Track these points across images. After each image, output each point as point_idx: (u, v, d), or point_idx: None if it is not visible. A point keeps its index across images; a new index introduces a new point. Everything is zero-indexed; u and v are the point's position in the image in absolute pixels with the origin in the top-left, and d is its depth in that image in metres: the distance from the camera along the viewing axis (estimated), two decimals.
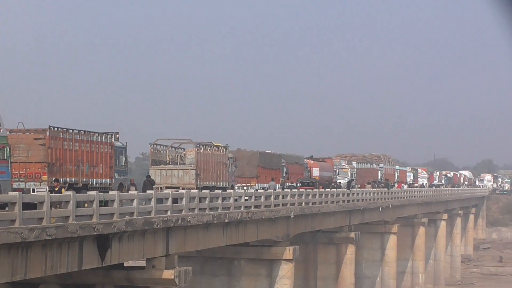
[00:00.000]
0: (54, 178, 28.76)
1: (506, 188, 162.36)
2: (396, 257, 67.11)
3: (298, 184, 57.62)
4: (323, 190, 52.06)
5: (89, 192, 27.13)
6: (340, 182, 67.86)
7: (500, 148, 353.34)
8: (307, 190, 49.44)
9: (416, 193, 76.35)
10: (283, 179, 53.10)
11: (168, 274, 29.96)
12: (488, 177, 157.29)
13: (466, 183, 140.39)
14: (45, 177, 29.24)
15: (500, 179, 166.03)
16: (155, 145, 39.32)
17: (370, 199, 59.44)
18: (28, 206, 22.82)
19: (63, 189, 27.26)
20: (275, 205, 40.92)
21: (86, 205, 25.89)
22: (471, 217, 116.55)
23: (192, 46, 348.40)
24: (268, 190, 43.81)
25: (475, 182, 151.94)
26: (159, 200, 29.91)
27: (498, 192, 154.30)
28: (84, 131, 32.09)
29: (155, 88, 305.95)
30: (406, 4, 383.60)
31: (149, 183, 35.37)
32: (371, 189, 64.21)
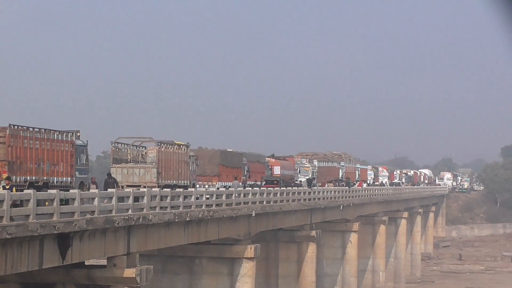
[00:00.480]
0: (6, 176, 28.56)
1: (466, 186, 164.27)
2: (357, 255, 67.61)
3: (263, 183, 58.12)
4: (285, 188, 52.30)
5: (50, 191, 27.03)
6: (300, 181, 68.12)
7: (460, 147, 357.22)
8: (269, 188, 49.83)
9: (376, 191, 76.94)
10: (244, 178, 53.28)
11: (129, 272, 29.99)
12: (447, 175, 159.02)
13: (426, 181, 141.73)
14: (5, 176, 29.05)
15: (459, 178, 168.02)
16: (116, 144, 39.26)
17: (331, 198, 59.82)
18: None
19: (14, 188, 27.12)
20: (236, 204, 41.08)
21: (46, 203, 25.81)
22: (431, 215, 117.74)
23: (150, 44, 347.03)
24: (231, 189, 44.00)
25: (435, 180, 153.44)
26: (120, 199, 29.91)
27: (457, 190, 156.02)
28: (45, 130, 31.96)
29: (116, 87, 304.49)
30: None
31: (111, 182, 35.32)
32: (332, 187, 64.64)
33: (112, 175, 36.74)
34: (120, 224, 29.00)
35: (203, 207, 36.71)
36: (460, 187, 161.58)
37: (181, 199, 34.54)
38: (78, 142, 34.39)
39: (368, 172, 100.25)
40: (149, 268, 31.40)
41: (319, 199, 56.74)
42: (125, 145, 39.86)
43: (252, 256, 42.14)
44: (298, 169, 70.80)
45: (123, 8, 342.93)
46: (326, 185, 67.62)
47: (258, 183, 55.64)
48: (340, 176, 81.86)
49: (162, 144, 39.05)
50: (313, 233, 55.45)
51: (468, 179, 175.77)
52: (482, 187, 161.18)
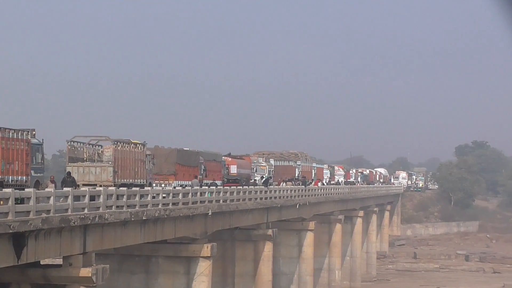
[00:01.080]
0: None
1: (420, 185, 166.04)
2: (313, 254, 68.01)
3: (224, 181, 58.64)
4: (241, 187, 52.47)
5: (5, 190, 26.86)
6: (255, 180, 68.30)
7: (414, 146, 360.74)
8: (226, 187, 49.96)
9: (332, 190, 77.41)
10: (201, 177, 53.32)
11: (85, 272, 29.92)
12: (403, 174, 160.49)
13: (381, 180, 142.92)
14: None
15: (414, 177, 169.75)
16: (72, 142, 39.10)
17: (287, 196, 60.10)
18: None
19: None
20: (193, 203, 41.13)
21: (1, 202, 25.65)
22: (387, 214, 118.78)
23: (107, 46, 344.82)
24: (189, 188, 44.06)
25: (390, 179, 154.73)
26: (76, 198, 29.80)
27: (412, 189, 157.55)
28: (0, 128, 31.73)
29: (72, 86, 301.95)
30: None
31: (69, 181, 35.15)
32: (289, 186, 64.91)
33: (70, 174, 36.58)
34: (76, 223, 28.90)
35: (160, 206, 36.71)
36: (415, 186, 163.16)
37: (137, 198, 34.52)
38: (34, 140, 34.18)
39: (324, 171, 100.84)
40: (105, 267, 31.36)
41: (275, 198, 56.97)
42: (81, 144, 39.72)
43: (209, 255, 42.23)
44: (255, 168, 71.06)
45: None
46: (283, 184, 67.89)
47: (217, 182, 55.78)
48: (296, 175, 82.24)
49: (119, 143, 38.98)
50: (270, 232, 55.68)
51: (423, 178, 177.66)
52: (437, 186, 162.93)
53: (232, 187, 52.55)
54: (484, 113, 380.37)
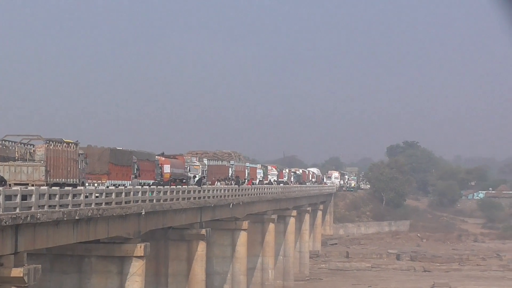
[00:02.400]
0: None
1: (352, 185, 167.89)
2: (246, 254, 68.36)
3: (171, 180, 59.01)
4: (175, 187, 52.51)
5: None
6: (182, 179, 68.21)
7: (347, 146, 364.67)
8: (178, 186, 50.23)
9: (266, 189, 77.88)
10: (133, 176, 53.14)
11: (17, 272, 29.70)
12: (335, 174, 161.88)
13: (314, 180, 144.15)
14: None
15: (346, 176, 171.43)
16: (3, 141, 38.69)
17: (221, 196, 60.33)
18: None
19: None
20: (126, 202, 41.08)
21: None
22: (319, 213, 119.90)
23: (34, 45, 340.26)
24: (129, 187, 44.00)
25: (323, 179, 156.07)
26: (8, 197, 29.53)
27: (345, 189, 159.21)
28: None
29: (3, 84, 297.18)
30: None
31: None
32: (222, 186, 65.09)
33: (1, 173, 36.20)
34: (7, 223, 28.66)
35: (93, 206, 36.59)
36: (348, 185, 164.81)
37: (70, 198, 34.35)
38: None
39: (257, 171, 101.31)
40: (37, 267, 31.16)
41: (209, 197, 57.15)
42: (13, 143, 39.32)
43: (142, 254, 42.20)
44: (188, 168, 71.02)
45: None
46: (217, 183, 68.09)
47: (150, 181, 55.70)
48: (230, 174, 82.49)
49: (51, 142, 38.69)
50: (203, 231, 55.85)
51: (355, 177, 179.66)
52: (369, 186, 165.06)
53: (172, 186, 52.88)
54: (415, 113, 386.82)
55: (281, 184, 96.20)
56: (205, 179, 69.58)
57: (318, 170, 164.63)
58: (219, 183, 66.66)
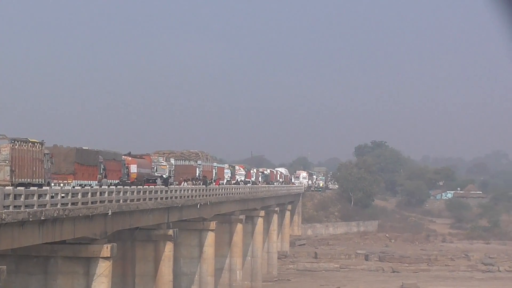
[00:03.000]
0: None
1: (321, 185, 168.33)
2: (214, 254, 68.51)
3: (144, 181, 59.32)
4: (141, 187, 52.46)
5: None
6: (150, 179, 68.16)
7: (315, 146, 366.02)
8: (150, 186, 50.16)
9: (233, 190, 78.05)
10: (100, 176, 53.03)
11: None
12: (303, 174, 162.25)
13: (281, 180, 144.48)
14: None
15: (315, 176, 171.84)
16: None
17: (188, 196, 60.41)
18: None
19: None
20: (92, 202, 41.04)
21: None
22: (287, 214, 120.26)
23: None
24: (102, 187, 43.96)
25: (291, 179, 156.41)
26: None
27: (313, 189, 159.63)
28: None
29: None
30: None
31: None
32: (189, 186, 65.13)
33: None
34: None
35: (59, 206, 36.52)
36: (316, 185, 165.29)
37: (35, 198, 34.26)
38: None
39: (225, 171, 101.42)
40: (1, 268, 31.10)
41: (176, 197, 57.21)
42: None
43: (109, 255, 42.20)
44: (155, 168, 70.97)
45: None
46: (184, 183, 68.13)
47: (115, 181, 55.63)
48: (197, 174, 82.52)
49: (16, 142, 38.53)
50: (170, 232, 55.92)
51: (323, 177, 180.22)
52: (337, 186, 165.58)
53: (150, 186, 53.00)
54: (383, 113, 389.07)
55: (249, 184, 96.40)
56: (171, 178, 69.58)
57: (286, 170, 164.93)
58: (185, 183, 66.64)
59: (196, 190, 63.38)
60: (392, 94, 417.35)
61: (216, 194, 69.74)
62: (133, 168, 62.80)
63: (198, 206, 63.14)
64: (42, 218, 34.63)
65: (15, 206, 32.35)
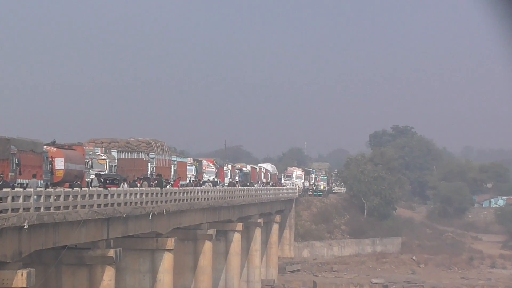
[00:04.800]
0: None
1: (322, 187, 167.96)
2: (172, 283, 68.50)
3: (100, 181, 58.93)
4: (70, 189, 52.39)
5: None
6: (92, 179, 68.16)
7: (312, 132, 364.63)
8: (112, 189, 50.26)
9: (199, 194, 77.98)
10: (13, 174, 52.85)
11: None
12: (297, 172, 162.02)
13: (267, 180, 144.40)
14: None
15: (313, 175, 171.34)
16: None
17: (136, 203, 60.31)
18: None
19: None
20: (1, 211, 40.89)
21: None
22: (275, 227, 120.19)
23: None
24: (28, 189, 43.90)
25: (280, 179, 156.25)
26: None
27: (310, 193, 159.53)
28: None
29: None
30: None
31: None
32: (136, 188, 64.88)
33: None
34: None
35: None
36: (315, 188, 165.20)
37: None
38: None
39: (188, 167, 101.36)
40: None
41: (119, 204, 57.10)
42: None
43: (24, 285, 42.12)
44: (90, 162, 70.92)
45: None
46: (123, 185, 68.01)
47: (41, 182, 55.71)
48: (149, 172, 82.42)
49: None
50: (111, 252, 55.83)
51: (326, 177, 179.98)
52: (344, 189, 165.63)
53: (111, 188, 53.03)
54: (407, 88, 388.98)
55: (221, 186, 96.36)
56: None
57: (273, 166, 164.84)
58: (125, 184, 66.23)
59: (147, 194, 63.27)
60: (421, 59, 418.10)
61: (175, 200, 69.64)
62: (59, 163, 62.68)
63: (150, 217, 63.04)
64: None
65: None
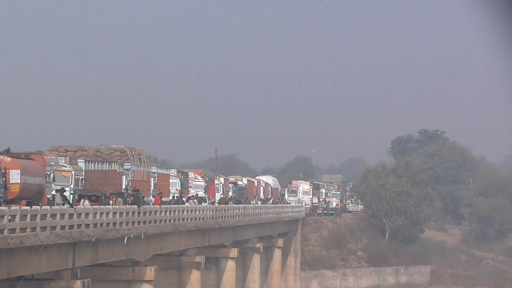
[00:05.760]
0: None
1: (334, 205, 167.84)
2: None
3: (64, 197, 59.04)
4: (28, 208, 52.31)
5: None
6: (53, 194, 68.06)
7: (322, 139, 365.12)
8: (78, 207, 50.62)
9: (185, 213, 77.93)
10: None
11: None
12: (304, 186, 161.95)
13: (266, 196, 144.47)
14: None
15: (323, 190, 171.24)
16: None
17: (108, 224, 60.27)
18: None
19: None
20: None
21: None
22: (277, 253, 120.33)
23: None
24: None
25: (283, 194, 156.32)
26: None
27: (321, 211, 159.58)
28: None
29: None
30: None
31: None
32: (108, 206, 64.86)
33: None
34: None
35: None
36: (325, 206, 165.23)
37: None
38: None
39: (171, 181, 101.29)
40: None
41: (87, 226, 57.02)
42: None
43: None
44: (52, 175, 70.81)
45: None
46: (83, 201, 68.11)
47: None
48: (123, 186, 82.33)
49: None
50: (77, 284, 55.95)
51: (338, 192, 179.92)
52: (361, 207, 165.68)
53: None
54: (437, 86, 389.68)
55: (211, 203, 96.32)
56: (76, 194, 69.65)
57: (275, 179, 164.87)
58: (86, 201, 66.14)
59: (121, 214, 63.23)
60: (453, 53, 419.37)
61: (155, 221, 69.64)
62: (14, 176, 62.49)
63: (126, 241, 63.04)
64: None
65: None
